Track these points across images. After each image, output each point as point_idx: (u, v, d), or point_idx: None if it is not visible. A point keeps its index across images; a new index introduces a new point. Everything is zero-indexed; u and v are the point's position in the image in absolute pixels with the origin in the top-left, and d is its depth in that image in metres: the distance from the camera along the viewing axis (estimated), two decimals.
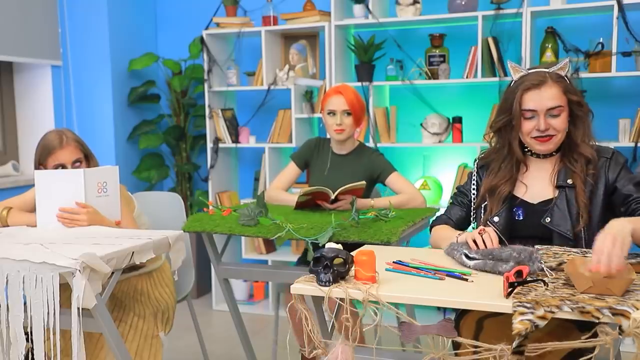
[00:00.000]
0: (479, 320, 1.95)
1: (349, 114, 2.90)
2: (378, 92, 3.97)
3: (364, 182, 2.72)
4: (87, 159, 2.60)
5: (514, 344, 1.46)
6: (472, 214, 2.22)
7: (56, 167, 2.53)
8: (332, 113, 2.91)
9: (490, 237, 1.86)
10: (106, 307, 2.09)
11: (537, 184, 2.10)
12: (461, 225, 2.23)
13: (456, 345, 1.90)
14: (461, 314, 2.05)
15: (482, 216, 2.14)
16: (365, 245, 2.26)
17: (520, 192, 2.11)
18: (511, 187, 2.11)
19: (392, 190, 2.96)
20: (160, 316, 2.55)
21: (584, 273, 1.56)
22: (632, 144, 3.38)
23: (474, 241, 1.87)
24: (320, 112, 3.02)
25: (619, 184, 2.00)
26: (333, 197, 2.69)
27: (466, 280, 1.71)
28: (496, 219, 2.09)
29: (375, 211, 2.55)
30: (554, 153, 2.09)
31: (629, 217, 1.80)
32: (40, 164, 2.56)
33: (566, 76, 2.04)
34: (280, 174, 3.11)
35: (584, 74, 3.45)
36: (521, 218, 2.08)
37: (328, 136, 3.05)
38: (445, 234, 2.12)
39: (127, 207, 2.62)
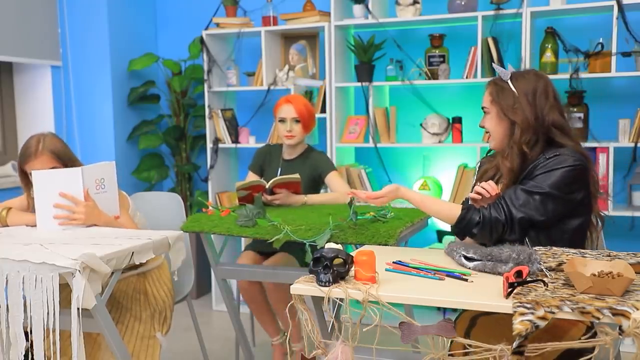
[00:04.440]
0: (473, 318, 1.97)
1: (298, 121, 3.13)
2: (378, 92, 3.97)
3: (298, 175, 2.92)
4: (67, 166, 2.53)
5: (514, 344, 1.46)
6: None
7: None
8: (282, 120, 3.15)
9: (489, 184, 2.07)
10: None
11: None
12: None
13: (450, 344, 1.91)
14: (460, 313, 2.08)
15: None
16: (365, 246, 2.26)
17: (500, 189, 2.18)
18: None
19: (329, 187, 3.19)
20: (157, 317, 2.55)
21: (583, 273, 1.56)
22: (632, 144, 3.38)
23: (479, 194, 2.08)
24: (274, 118, 3.21)
25: (528, 180, 2.05)
26: (267, 186, 2.88)
27: (466, 280, 1.71)
28: None
29: (373, 212, 2.55)
30: None
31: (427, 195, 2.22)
32: (21, 168, 2.56)
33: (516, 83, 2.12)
34: None
35: (583, 74, 3.45)
36: None
37: (277, 142, 3.31)
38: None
39: (122, 206, 2.62)
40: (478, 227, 2.02)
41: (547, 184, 2.00)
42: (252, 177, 3.24)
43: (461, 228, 2.06)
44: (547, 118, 2.08)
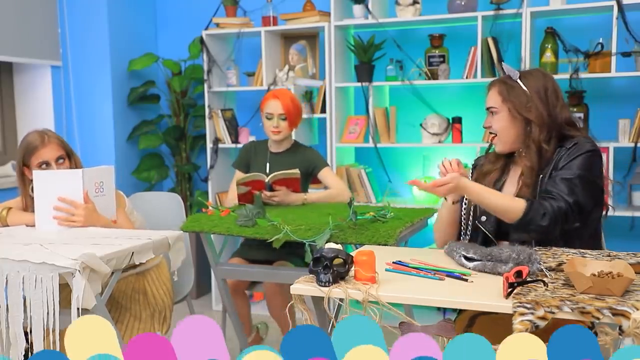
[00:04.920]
0: (472, 318, 1.98)
1: (284, 118, 3.12)
2: (378, 92, 3.97)
3: (297, 171, 2.93)
4: (69, 157, 2.61)
5: None
6: (462, 211, 2.22)
7: (40, 165, 2.53)
8: (269, 116, 3.12)
9: (448, 161, 2.16)
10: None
11: (514, 184, 2.18)
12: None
13: None
14: (459, 312, 2.08)
15: (471, 215, 2.19)
16: (365, 246, 2.26)
17: (504, 192, 2.17)
18: (498, 187, 2.17)
19: (324, 183, 3.20)
20: (157, 316, 2.55)
21: (583, 273, 1.56)
22: (632, 144, 3.38)
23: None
24: (260, 113, 3.21)
25: (557, 172, 2.03)
26: (267, 180, 2.90)
27: (466, 280, 1.71)
28: (483, 217, 2.15)
29: (373, 212, 2.55)
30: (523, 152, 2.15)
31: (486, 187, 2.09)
32: (24, 164, 2.57)
33: (524, 82, 2.11)
34: (230, 186, 3.27)
35: (583, 74, 3.45)
36: None
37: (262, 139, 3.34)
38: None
39: (119, 205, 2.63)
40: (546, 218, 1.95)
41: (576, 167, 2.01)
42: (239, 176, 3.20)
43: (527, 220, 1.98)
44: (559, 115, 2.08)
